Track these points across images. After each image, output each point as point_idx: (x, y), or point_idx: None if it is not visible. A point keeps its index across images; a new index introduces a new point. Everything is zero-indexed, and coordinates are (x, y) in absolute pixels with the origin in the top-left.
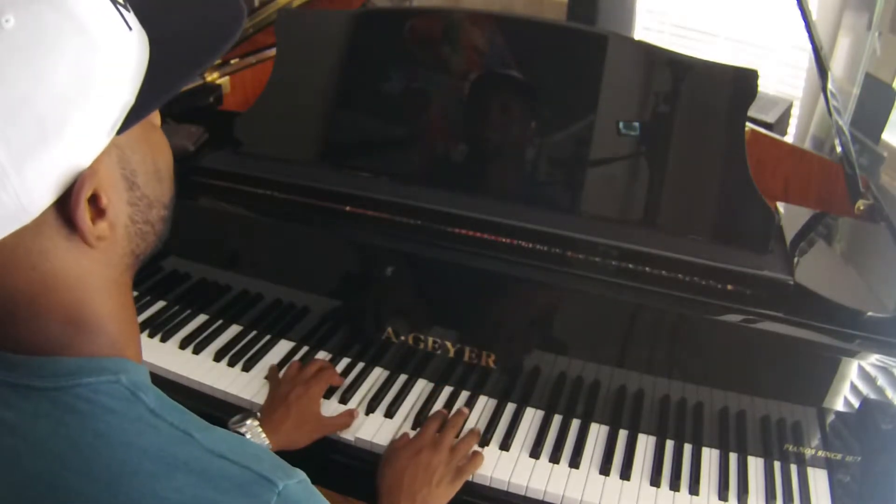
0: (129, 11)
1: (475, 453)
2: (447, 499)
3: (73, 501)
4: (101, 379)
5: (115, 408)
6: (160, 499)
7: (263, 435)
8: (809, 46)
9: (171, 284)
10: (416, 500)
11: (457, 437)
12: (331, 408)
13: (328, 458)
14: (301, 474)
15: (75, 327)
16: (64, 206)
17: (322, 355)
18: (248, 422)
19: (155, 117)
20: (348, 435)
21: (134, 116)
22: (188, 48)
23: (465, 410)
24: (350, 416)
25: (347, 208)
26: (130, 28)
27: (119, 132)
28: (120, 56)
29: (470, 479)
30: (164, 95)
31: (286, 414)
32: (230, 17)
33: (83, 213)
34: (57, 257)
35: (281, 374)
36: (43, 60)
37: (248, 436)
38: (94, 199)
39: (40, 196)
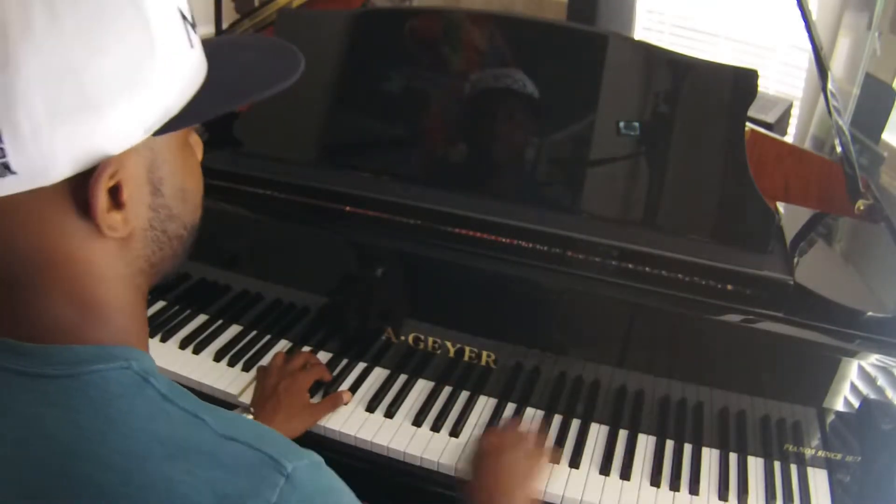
0: (194, 32)
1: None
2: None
3: (86, 488)
4: (112, 365)
5: (126, 393)
6: (172, 482)
7: None
8: (809, 46)
9: (171, 284)
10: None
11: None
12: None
13: (328, 458)
14: (314, 456)
15: (84, 312)
16: (82, 186)
17: (322, 355)
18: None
19: (197, 146)
20: (348, 434)
21: (172, 125)
22: (240, 82)
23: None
24: (339, 397)
25: (347, 208)
26: (192, 46)
27: (155, 134)
28: (174, 65)
29: None
30: (205, 114)
31: (277, 406)
32: (287, 66)
33: (100, 195)
34: (67, 234)
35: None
36: (102, 40)
37: None
38: (115, 191)
39: (63, 164)
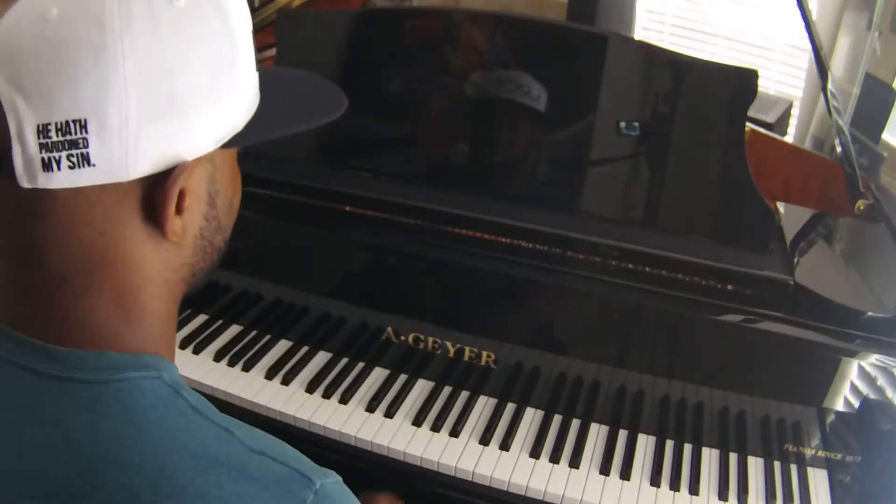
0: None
1: None
2: None
3: (113, 495)
4: (144, 374)
5: (158, 403)
6: (201, 494)
7: None
8: (809, 46)
9: None
10: None
11: None
12: (330, 407)
13: (328, 458)
14: (337, 476)
15: (123, 315)
16: (154, 188)
17: (322, 355)
18: None
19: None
20: (348, 434)
21: (236, 140)
22: (292, 109)
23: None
24: None
25: (347, 208)
26: (256, 68)
27: (222, 147)
28: (246, 83)
29: (470, 478)
30: (265, 135)
31: None
32: (333, 102)
33: (172, 199)
34: (127, 235)
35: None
36: (194, 49)
37: None
38: (179, 197)
39: (143, 163)
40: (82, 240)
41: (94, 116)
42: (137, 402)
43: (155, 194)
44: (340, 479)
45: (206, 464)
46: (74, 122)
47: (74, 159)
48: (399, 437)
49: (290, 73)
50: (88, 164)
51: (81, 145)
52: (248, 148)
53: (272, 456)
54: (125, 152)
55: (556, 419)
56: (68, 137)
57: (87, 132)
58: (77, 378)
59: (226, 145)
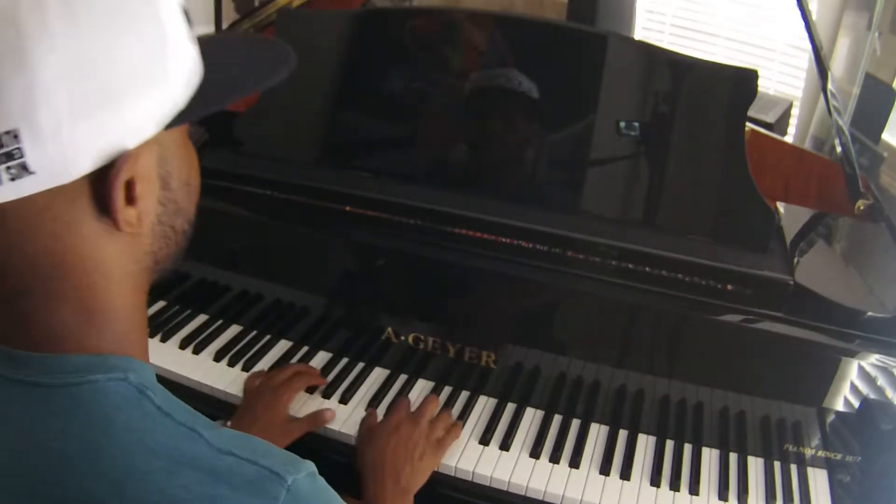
0: (191, 28)
1: (454, 424)
2: (430, 471)
3: (79, 499)
4: (109, 376)
5: (123, 405)
6: (168, 496)
7: None
8: (809, 46)
9: (171, 284)
10: (401, 476)
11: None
12: (330, 407)
13: (328, 458)
14: (310, 465)
15: (86, 316)
16: (101, 182)
17: (322, 355)
18: None
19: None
20: (348, 434)
21: (180, 118)
22: (237, 76)
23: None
24: (321, 416)
25: (347, 208)
26: (192, 41)
27: (166, 128)
28: (182, 59)
29: (470, 478)
30: (209, 107)
31: (253, 421)
32: (280, 60)
33: (119, 191)
34: (82, 234)
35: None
36: (120, 37)
37: None
38: (129, 186)
39: (83, 160)
40: (38, 247)
41: (25, 124)
42: (102, 405)
43: (103, 189)
44: (314, 468)
45: (173, 466)
46: (6, 133)
47: (13, 171)
48: None
49: (233, 39)
50: (28, 172)
51: (17, 156)
52: (247, 148)
53: (241, 455)
54: (63, 154)
55: (557, 419)
56: (3, 150)
57: (20, 141)
58: (44, 382)
59: (170, 125)
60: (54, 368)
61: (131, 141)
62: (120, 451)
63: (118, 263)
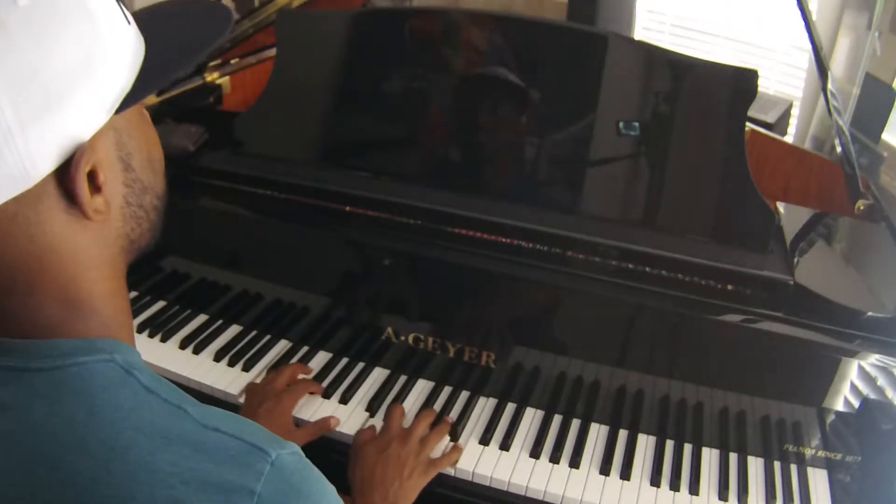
0: (126, 9)
1: (454, 447)
2: (418, 489)
3: (70, 477)
4: (96, 358)
5: (109, 385)
6: (154, 472)
7: None
8: (809, 46)
9: (171, 284)
10: (389, 494)
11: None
12: (330, 407)
13: (328, 458)
14: (295, 446)
15: (70, 307)
16: (64, 177)
17: (322, 355)
18: None
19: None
20: (348, 434)
21: (130, 100)
22: (179, 46)
23: (434, 410)
24: (325, 424)
25: (347, 208)
26: (129, 22)
27: (117, 112)
28: (119, 44)
29: (470, 478)
30: (155, 83)
31: None
32: (218, 23)
33: (82, 182)
34: (55, 230)
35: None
36: (52, 38)
37: None
38: (92, 176)
39: (42, 162)
40: (14, 252)
41: None
42: (88, 385)
43: (67, 183)
44: (299, 450)
45: (159, 442)
46: None
47: None
48: None
49: (169, 8)
50: None
51: None
52: (247, 148)
53: (226, 431)
54: (20, 160)
55: (557, 419)
56: None
57: None
58: (33, 367)
59: (121, 108)
60: (44, 353)
61: (85, 133)
62: (107, 430)
63: (94, 252)
